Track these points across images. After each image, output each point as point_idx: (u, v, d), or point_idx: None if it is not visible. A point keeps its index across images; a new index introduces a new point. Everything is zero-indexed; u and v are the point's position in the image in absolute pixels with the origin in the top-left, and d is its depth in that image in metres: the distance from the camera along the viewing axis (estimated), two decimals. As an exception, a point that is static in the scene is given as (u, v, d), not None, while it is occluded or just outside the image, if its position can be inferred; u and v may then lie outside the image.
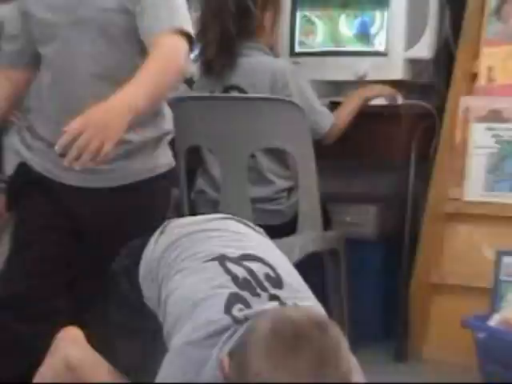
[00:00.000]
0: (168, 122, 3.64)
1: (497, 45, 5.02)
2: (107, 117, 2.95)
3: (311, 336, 2.11)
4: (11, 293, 3.45)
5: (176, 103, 4.08)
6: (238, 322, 2.37)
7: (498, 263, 4.51)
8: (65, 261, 3.47)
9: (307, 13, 5.18)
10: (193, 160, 4.56)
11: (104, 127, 2.88)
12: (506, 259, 4.50)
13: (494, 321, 4.24)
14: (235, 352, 2.28)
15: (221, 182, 4.34)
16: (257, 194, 4.56)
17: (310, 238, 4.67)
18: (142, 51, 3.38)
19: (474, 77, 4.99)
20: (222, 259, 2.55)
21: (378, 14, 5.00)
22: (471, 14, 5.06)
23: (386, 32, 4.95)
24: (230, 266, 2.54)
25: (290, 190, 4.71)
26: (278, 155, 4.66)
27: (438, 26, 5.15)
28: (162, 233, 2.85)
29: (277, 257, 2.72)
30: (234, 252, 2.58)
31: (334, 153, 4.79)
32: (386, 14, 4.96)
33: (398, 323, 4.85)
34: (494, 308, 4.38)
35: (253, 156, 4.57)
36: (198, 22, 4.75)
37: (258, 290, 2.46)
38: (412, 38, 5.00)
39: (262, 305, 2.40)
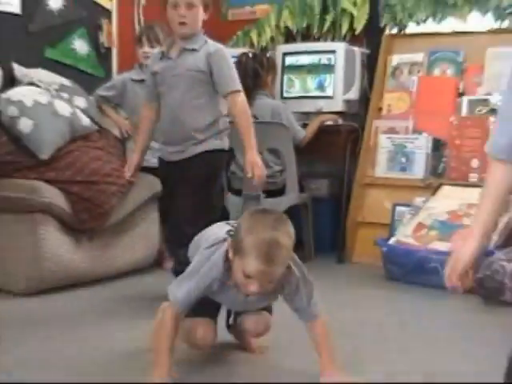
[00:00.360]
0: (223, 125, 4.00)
1: (392, 92, 5.62)
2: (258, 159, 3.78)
3: (272, 215, 2.59)
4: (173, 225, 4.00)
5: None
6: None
7: (393, 210, 5.21)
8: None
9: (290, 76, 5.76)
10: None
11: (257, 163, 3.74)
12: (398, 208, 5.17)
13: (391, 241, 4.86)
14: (233, 234, 2.68)
15: (244, 167, 4.10)
16: (263, 174, 5.14)
17: (292, 197, 5.23)
18: (214, 90, 3.86)
19: (380, 109, 5.63)
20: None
21: (328, 76, 5.61)
22: (378, 75, 5.66)
23: (333, 86, 5.60)
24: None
25: (281, 172, 5.32)
26: (275, 152, 5.27)
27: (361, 82, 5.73)
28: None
29: None
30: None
31: (305, 151, 5.37)
32: (332, 76, 5.59)
33: (339, 242, 5.46)
34: (391, 234, 5.01)
35: (261, 153, 4.68)
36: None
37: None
38: (346, 89, 5.60)
39: None
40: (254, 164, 3.77)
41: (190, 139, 3.91)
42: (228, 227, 2.77)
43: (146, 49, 5.11)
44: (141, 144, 4.13)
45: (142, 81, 5.06)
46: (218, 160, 4.00)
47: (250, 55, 5.47)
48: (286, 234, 2.55)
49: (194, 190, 3.82)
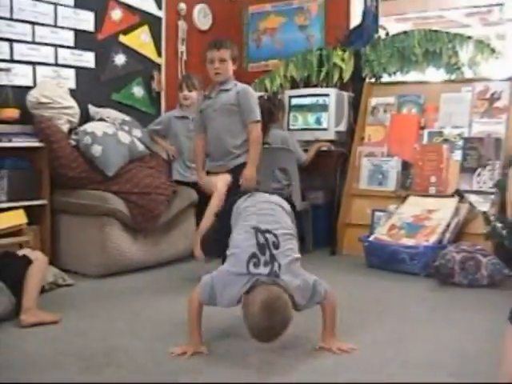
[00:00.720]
0: None
1: (371, 125, 5.55)
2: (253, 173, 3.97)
3: (275, 306, 2.47)
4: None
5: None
6: (249, 273, 2.60)
7: (372, 215, 5.16)
8: None
9: (295, 113, 5.70)
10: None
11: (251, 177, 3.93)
12: (376, 213, 5.12)
13: (371, 238, 4.78)
14: (247, 299, 2.58)
15: (261, 181, 4.31)
16: (274, 186, 5.04)
17: (296, 204, 4.43)
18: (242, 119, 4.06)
19: (362, 138, 5.53)
20: (256, 230, 2.71)
21: (323, 114, 5.54)
22: (361, 113, 5.58)
23: (327, 121, 5.52)
24: (258, 234, 2.68)
25: (288, 185, 5.19)
26: (284, 170, 5.18)
27: (348, 118, 5.65)
28: (249, 196, 3.03)
29: (283, 222, 2.82)
30: (263, 226, 2.71)
31: (306, 170, 5.31)
32: (327, 113, 5.51)
33: (332, 239, 5.35)
34: (371, 233, 4.92)
35: (273, 171, 5.14)
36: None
37: (266, 251, 2.63)
38: (337, 123, 5.53)
39: (263, 266, 2.60)
40: (248, 177, 4.00)
41: (229, 154, 4.11)
42: (253, 246, 2.67)
43: (186, 92, 5.21)
44: (201, 163, 4.27)
45: (182, 117, 5.22)
46: None
47: (266, 98, 5.47)
48: (281, 323, 2.53)
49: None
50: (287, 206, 3.02)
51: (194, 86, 5.21)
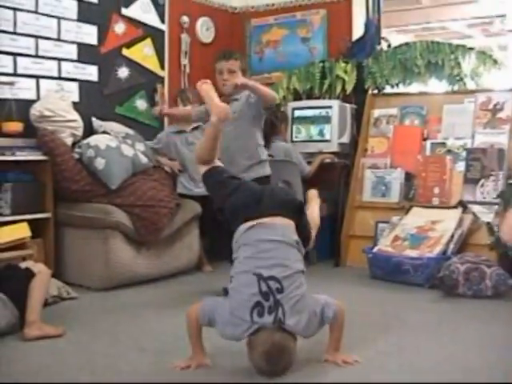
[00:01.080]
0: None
1: (374, 137, 5.52)
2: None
3: (278, 357, 2.48)
4: None
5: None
6: (253, 322, 2.51)
7: (376, 226, 5.15)
8: None
9: (298, 125, 5.70)
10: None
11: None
12: (379, 224, 5.11)
13: (375, 249, 4.76)
14: (251, 342, 2.55)
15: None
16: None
17: None
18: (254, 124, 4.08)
19: (365, 150, 5.53)
20: (259, 277, 2.56)
21: (326, 125, 5.56)
22: (364, 125, 5.57)
23: (330, 132, 5.54)
24: (261, 282, 2.55)
25: None
26: (287, 183, 4.63)
27: (351, 130, 5.67)
28: (250, 228, 2.74)
29: (286, 260, 2.64)
30: (265, 273, 2.56)
31: (309, 182, 5.14)
32: (330, 125, 5.54)
33: (336, 251, 5.35)
34: (374, 244, 4.91)
35: (276, 184, 4.56)
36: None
37: (270, 297, 2.52)
38: (340, 134, 5.55)
39: (267, 314, 2.50)
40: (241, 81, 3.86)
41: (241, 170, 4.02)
42: (256, 295, 2.56)
43: (181, 107, 5.18)
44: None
45: (179, 132, 5.22)
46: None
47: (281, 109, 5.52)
48: (283, 369, 2.56)
49: None
50: (290, 238, 2.74)
51: (189, 100, 5.19)
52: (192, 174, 5.17)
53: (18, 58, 4.66)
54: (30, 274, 3.37)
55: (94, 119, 5.06)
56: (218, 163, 3.08)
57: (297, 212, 2.84)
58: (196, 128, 5.25)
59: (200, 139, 4.90)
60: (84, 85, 5.11)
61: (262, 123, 4.30)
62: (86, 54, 5.12)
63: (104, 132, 4.92)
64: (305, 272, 2.73)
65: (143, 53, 5.65)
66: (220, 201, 2.96)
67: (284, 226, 2.75)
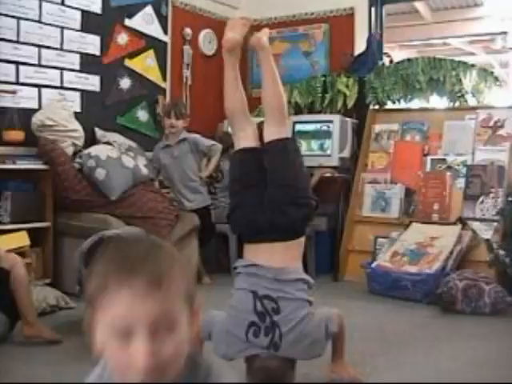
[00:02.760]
0: None
1: (375, 152, 5.57)
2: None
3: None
4: None
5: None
6: (248, 342, 2.44)
7: (375, 241, 5.15)
8: None
9: (299, 139, 5.40)
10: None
11: None
12: (378, 239, 5.12)
13: (373, 265, 4.78)
14: (247, 367, 2.49)
15: None
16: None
17: None
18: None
19: (366, 165, 5.56)
20: (255, 295, 2.46)
21: (327, 140, 5.55)
22: (365, 140, 5.59)
23: (331, 147, 5.54)
24: (256, 301, 2.46)
25: None
26: None
27: (351, 144, 5.67)
28: (249, 275, 2.58)
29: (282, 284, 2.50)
30: (262, 291, 2.46)
31: None
32: (331, 140, 5.53)
33: (335, 265, 5.36)
34: (373, 259, 4.91)
35: None
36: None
37: (266, 318, 2.43)
38: (341, 149, 5.55)
39: (263, 336, 2.42)
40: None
41: None
42: (252, 313, 2.48)
43: (173, 121, 5.13)
44: None
45: (166, 147, 5.22)
46: None
47: None
48: None
49: None
50: (289, 278, 2.56)
51: (182, 115, 5.15)
52: (180, 189, 5.20)
53: (21, 67, 4.69)
54: (4, 274, 3.21)
55: (97, 129, 5.08)
56: (248, 133, 2.76)
57: (292, 229, 2.62)
58: (182, 140, 5.22)
59: (186, 152, 5.07)
60: (86, 95, 5.15)
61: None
62: (88, 64, 5.16)
63: (106, 143, 4.94)
64: (312, 302, 2.60)
65: (145, 64, 5.70)
66: (230, 203, 2.80)
67: (285, 257, 2.57)
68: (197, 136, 5.24)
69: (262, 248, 2.57)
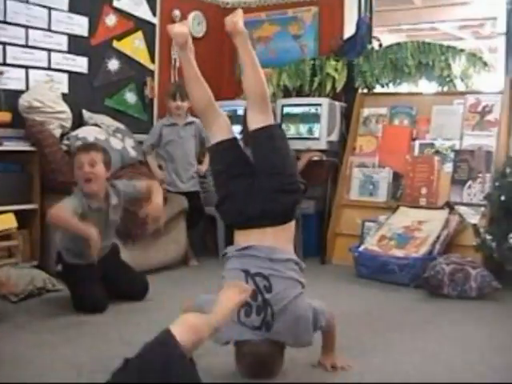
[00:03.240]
0: None
1: (363, 136, 5.58)
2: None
3: (261, 371, 2.45)
4: None
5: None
6: (239, 322, 2.42)
7: (362, 225, 5.16)
8: None
9: (287, 122, 5.63)
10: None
11: None
12: (366, 223, 5.13)
13: (361, 248, 4.81)
14: (237, 351, 2.50)
15: None
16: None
17: None
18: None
19: (354, 149, 5.57)
20: (247, 273, 2.46)
21: (315, 123, 5.54)
22: (353, 123, 5.62)
23: (319, 130, 5.53)
24: (248, 279, 2.45)
25: None
26: None
27: (340, 128, 5.67)
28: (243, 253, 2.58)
29: (275, 263, 2.50)
30: (254, 269, 2.46)
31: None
32: (319, 123, 5.52)
33: (322, 248, 5.39)
34: (361, 243, 4.94)
35: None
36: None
37: (257, 296, 2.41)
38: (329, 132, 5.54)
39: (255, 315, 2.40)
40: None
41: None
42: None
43: (179, 103, 5.17)
44: None
45: (172, 124, 5.23)
46: None
47: None
48: (268, 377, 2.51)
49: None
50: (281, 257, 2.57)
51: (187, 96, 5.14)
52: (178, 168, 5.22)
53: (8, 48, 4.65)
54: None
55: (84, 111, 5.06)
56: (221, 125, 2.74)
57: (283, 215, 2.62)
58: (189, 123, 5.28)
59: (191, 135, 5.09)
60: (73, 76, 5.11)
61: None
62: (76, 45, 5.12)
63: (94, 124, 4.93)
64: (304, 284, 2.59)
65: (134, 45, 5.66)
66: (217, 195, 2.75)
67: (276, 240, 2.57)
68: (200, 123, 5.21)
69: (253, 233, 2.58)
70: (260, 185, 2.59)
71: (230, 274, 2.56)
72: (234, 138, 2.73)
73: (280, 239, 2.58)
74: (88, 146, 3.84)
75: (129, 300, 3.89)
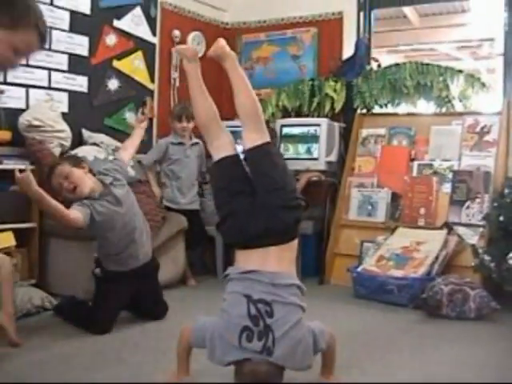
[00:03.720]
0: None
1: (362, 156, 5.56)
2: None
3: None
4: None
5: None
6: (241, 348, 2.40)
7: (361, 245, 5.13)
8: None
9: (286, 142, 5.65)
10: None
11: None
12: (364, 243, 5.09)
13: (359, 269, 4.78)
14: (236, 370, 2.48)
15: None
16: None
17: None
18: None
19: (353, 169, 5.55)
20: (249, 299, 2.43)
21: (314, 144, 5.54)
22: (352, 144, 5.61)
23: (318, 151, 5.53)
24: (250, 305, 2.42)
25: None
26: None
27: (338, 148, 5.68)
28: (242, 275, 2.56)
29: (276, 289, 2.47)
30: (256, 295, 2.43)
31: None
32: (318, 144, 5.51)
33: (321, 269, 5.35)
34: (359, 263, 4.91)
35: None
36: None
37: (259, 321, 2.40)
38: (328, 153, 5.54)
39: (257, 340, 2.38)
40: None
41: None
42: (245, 318, 2.44)
43: (185, 124, 5.22)
44: None
45: (179, 143, 5.24)
46: None
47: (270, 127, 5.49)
48: None
49: None
50: (284, 283, 2.54)
51: (192, 117, 5.12)
52: (182, 187, 5.26)
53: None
54: None
55: (84, 130, 5.08)
56: (225, 141, 2.74)
57: (286, 233, 2.60)
58: (195, 143, 5.36)
59: (195, 156, 5.17)
60: (73, 95, 5.13)
61: None
62: (76, 64, 5.14)
63: (93, 144, 4.94)
64: (304, 308, 2.58)
65: (134, 65, 5.69)
66: (218, 214, 2.70)
67: (279, 261, 2.54)
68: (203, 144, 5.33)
69: (256, 253, 2.55)
70: (261, 202, 2.56)
71: (231, 297, 2.54)
72: (237, 155, 2.71)
73: (283, 260, 2.56)
74: (49, 173, 3.73)
75: (148, 319, 3.91)
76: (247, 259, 2.58)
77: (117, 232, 3.68)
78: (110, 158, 4.16)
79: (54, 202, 3.31)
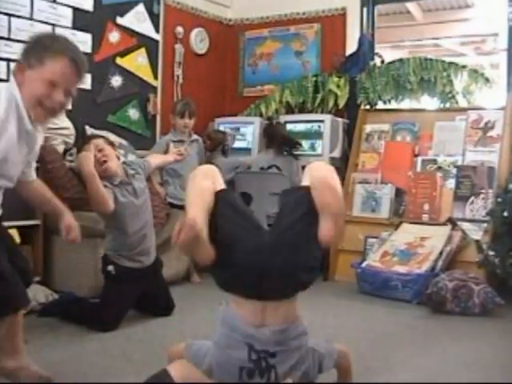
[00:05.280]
0: None
1: (365, 152, 5.58)
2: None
3: None
4: None
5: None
6: (242, 380, 2.24)
7: (365, 241, 5.14)
8: None
9: None
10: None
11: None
12: (369, 239, 5.11)
13: (363, 264, 4.79)
14: None
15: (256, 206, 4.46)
16: (272, 211, 4.64)
17: None
18: None
19: (356, 165, 5.58)
20: (251, 348, 2.25)
21: (318, 140, 5.58)
22: (355, 140, 5.62)
23: (321, 147, 5.56)
24: (252, 353, 2.24)
25: None
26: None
27: (342, 144, 5.69)
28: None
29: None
30: (259, 346, 2.24)
31: None
32: (322, 140, 5.56)
33: (325, 265, 5.13)
34: (363, 259, 4.92)
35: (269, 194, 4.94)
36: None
37: (262, 362, 2.24)
38: (332, 149, 5.57)
39: (258, 377, 2.24)
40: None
41: None
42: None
43: (187, 120, 5.22)
44: None
45: (179, 141, 5.19)
46: None
47: (274, 122, 5.58)
48: None
49: None
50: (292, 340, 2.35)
51: (194, 114, 5.27)
52: (184, 184, 5.16)
53: (12, 64, 4.59)
54: None
55: (87, 127, 5.08)
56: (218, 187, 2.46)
57: (302, 289, 2.38)
58: (195, 140, 5.37)
59: (195, 153, 5.11)
60: (77, 92, 5.07)
61: None
62: (79, 61, 5.11)
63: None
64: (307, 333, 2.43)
65: (137, 62, 5.69)
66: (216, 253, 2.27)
67: (287, 310, 2.34)
68: (202, 142, 5.45)
69: (261, 306, 2.30)
70: (282, 259, 2.27)
71: (229, 340, 2.31)
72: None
73: (293, 308, 2.36)
74: (83, 143, 3.98)
75: (152, 316, 3.91)
76: (250, 310, 2.32)
77: (132, 222, 3.78)
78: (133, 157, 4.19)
79: (100, 184, 3.63)
